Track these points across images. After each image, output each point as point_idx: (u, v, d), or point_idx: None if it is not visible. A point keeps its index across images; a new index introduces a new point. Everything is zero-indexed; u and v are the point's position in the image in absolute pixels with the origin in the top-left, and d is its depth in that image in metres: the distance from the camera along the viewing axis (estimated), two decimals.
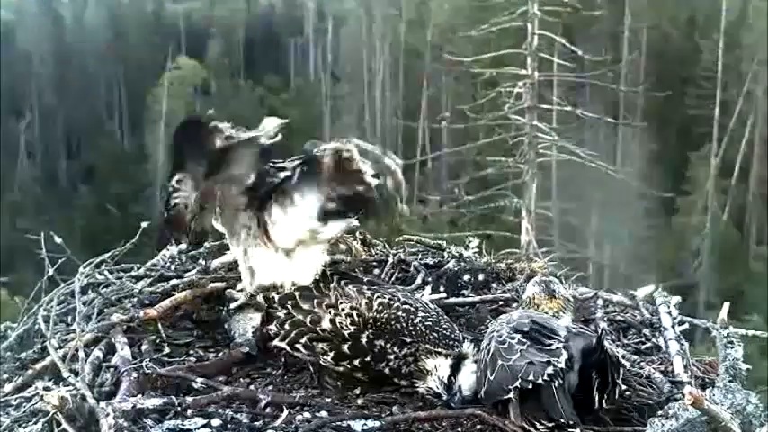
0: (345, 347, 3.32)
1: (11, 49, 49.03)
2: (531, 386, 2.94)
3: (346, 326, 3.32)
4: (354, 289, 3.41)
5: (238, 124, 3.46)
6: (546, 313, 3.40)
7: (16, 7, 55.29)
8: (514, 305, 3.78)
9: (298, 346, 3.38)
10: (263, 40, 58.08)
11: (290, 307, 3.41)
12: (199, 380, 3.27)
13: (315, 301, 3.40)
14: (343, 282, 3.47)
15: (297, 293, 3.45)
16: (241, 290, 3.81)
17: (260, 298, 3.60)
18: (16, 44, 50.87)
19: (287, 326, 3.40)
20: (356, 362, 3.32)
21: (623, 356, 3.46)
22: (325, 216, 3.44)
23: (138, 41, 55.63)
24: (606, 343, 3.11)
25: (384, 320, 3.33)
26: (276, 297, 3.48)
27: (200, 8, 60.28)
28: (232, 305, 3.78)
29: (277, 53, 57.08)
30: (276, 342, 3.43)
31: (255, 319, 3.60)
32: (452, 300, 4.14)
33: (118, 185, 45.56)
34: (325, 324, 3.35)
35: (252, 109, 42.80)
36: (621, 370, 3.16)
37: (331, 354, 3.34)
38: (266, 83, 53.35)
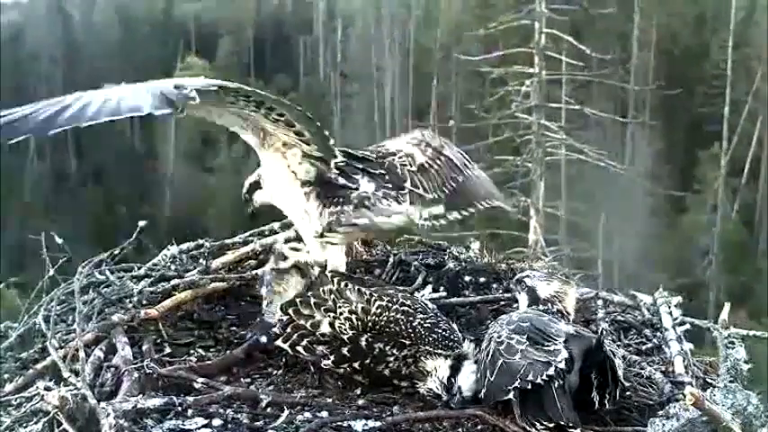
0: (345, 351, 3.33)
1: (20, 49, 49.12)
2: (530, 386, 2.94)
3: (345, 330, 3.33)
4: (353, 291, 3.41)
5: None
6: (569, 309, 3.40)
7: (26, 7, 55.46)
8: (515, 305, 3.77)
9: (299, 348, 3.40)
10: (273, 39, 58.01)
11: (291, 313, 3.43)
12: (200, 380, 3.28)
13: (313, 304, 3.41)
14: (342, 283, 3.48)
15: (298, 300, 3.47)
16: (297, 249, 3.85)
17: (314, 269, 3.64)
18: (25, 43, 50.98)
19: (289, 329, 3.42)
20: (356, 364, 3.33)
21: (624, 357, 3.44)
22: None
23: (147, 41, 55.65)
24: (606, 343, 3.10)
25: (383, 323, 3.33)
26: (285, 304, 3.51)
27: (211, 8, 60.24)
28: (281, 263, 3.79)
29: (287, 52, 56.99)
30: (278, 342, 3.45)
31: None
32: (453, 300, 4.14)
33: (127, 185, 45.66)
34: (325, 328, 3.36)
35: None
36: (621, 371, 3.15)
37: (331, 357, 3.36)
38: (276, 82, 53.31)
